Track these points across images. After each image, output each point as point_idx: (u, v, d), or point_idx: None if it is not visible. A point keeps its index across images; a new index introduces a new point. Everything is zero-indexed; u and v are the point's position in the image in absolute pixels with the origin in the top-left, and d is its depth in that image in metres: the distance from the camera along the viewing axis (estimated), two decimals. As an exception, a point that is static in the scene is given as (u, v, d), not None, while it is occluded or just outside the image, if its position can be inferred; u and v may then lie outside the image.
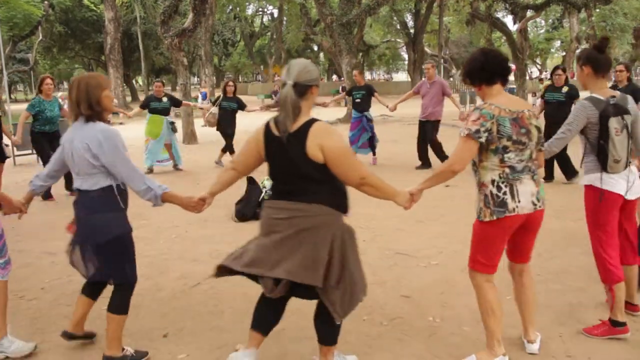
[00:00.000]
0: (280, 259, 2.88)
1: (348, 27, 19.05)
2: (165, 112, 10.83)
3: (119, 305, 3.34)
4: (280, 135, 2.86)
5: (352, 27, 19.64)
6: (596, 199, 3.59)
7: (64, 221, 5.97)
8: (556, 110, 8.08)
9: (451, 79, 40.14)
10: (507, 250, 3.41)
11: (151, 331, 3.84)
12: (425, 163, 10.31)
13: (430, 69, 10.13)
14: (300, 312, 3.68)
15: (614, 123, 3.47)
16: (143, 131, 10.94)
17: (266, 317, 3.19)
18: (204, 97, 23.98)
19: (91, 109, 3.16)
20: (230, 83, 11.35)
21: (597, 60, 3.63)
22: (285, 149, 2.86)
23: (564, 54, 35.73)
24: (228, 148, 11.12)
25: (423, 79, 10.44)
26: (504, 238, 3.23)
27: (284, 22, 40.04)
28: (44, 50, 37.99)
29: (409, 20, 40.51)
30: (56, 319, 4.07)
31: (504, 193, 3.10)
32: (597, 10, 30.76)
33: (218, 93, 13.01)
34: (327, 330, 3.12)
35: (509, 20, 43.01)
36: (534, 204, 3.16)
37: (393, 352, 3.50)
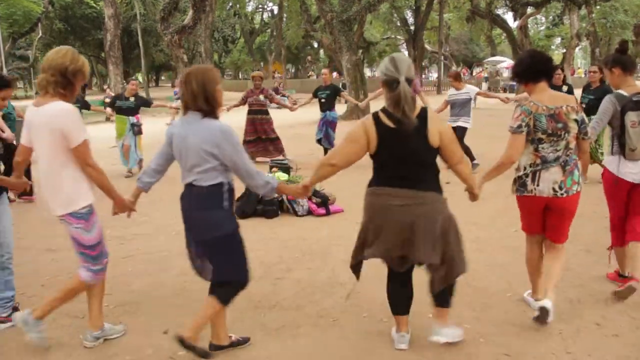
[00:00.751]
0: (402, 242, 3.21)
1: (348, 24, 19.03)
2: (129, 112, 10.19)
3: (224, 297, 3.34)
4: (400, 128, 3.07)
5: (352, 24, 19.63)
6: (611, 180, 4.24)
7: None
8: None
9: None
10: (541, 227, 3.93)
11: (151, 327, 3.84)
12: None
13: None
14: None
15: (631, 116, 4.03)
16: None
17: (403, 297, 3.54)
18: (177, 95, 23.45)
19: (208, 103, 3.11)
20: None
21: (624, 61, 4.17)
22: (405, 139, 3.09)
23: (565, 50, 35.66)
24: None
25: None
26: (529, 211, 3.86)
27: (284, 19, 39.98)
28: (44, 47, 37.93)
29: (409, 17, 40.43)
30: (56, 316, 4.06)
31: (527, 176, 3.71)
32: (598, 7, 30.72)
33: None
34: (443, 294, 3.43)
35: (509, 17, 42.97)
36: (555, 191, 3.62)
37: (393, 350, 3.50)
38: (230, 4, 40.13)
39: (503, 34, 37.51)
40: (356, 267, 3.59)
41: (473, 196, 3.60)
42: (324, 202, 6.87)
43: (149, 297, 4.41)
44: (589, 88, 8.31)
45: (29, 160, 3.71)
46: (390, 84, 3.10)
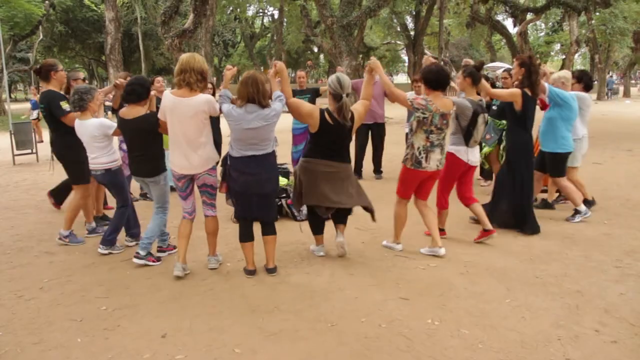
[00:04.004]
0: (334, 195, 4.99)
1: (348, 28, 19.05)
2: None
3: (274, 230, 4.93)
4: (335, 124, 4.90)
5: (352, 29, 19.64)
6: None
7: (62, 221, 5.99)
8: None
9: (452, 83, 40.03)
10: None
11: (149, 331, 3.83)
12: (360, 172, 9.62)
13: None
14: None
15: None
16: None
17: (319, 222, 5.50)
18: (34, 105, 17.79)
19: (265, 99, 4.53)
20: (209, 86, 10.32)
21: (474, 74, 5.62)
22: (336, 132, 4.92)
23: (564, 57, 35.73)
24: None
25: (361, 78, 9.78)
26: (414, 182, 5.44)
27: (285, 24, 40.05)
28: (45, 49, 37.94)
29: (409, 23, 40.53)
30: (54, 318, 4.06)
31: (422, 157, 5.22)
32: (597, 13, 30.74)
33: (217, 95, 12.72)
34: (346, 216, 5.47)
35: (509, 23, 43.10)
36: (437, 166, 5.30)
37: (391, 354, 3.50)
38: (231, 8, 40.15)
39: (503, 39, 37.58)
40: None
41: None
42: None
43: (147, 300, 4.40)
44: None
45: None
46: (336, 96, 4.85)
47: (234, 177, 4.66)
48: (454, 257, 5.30)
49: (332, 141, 4.93)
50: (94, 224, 6.34)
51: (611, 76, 44.78)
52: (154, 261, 5.23)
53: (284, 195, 6.81)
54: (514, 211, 6.14)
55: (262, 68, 49.83)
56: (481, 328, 3.82)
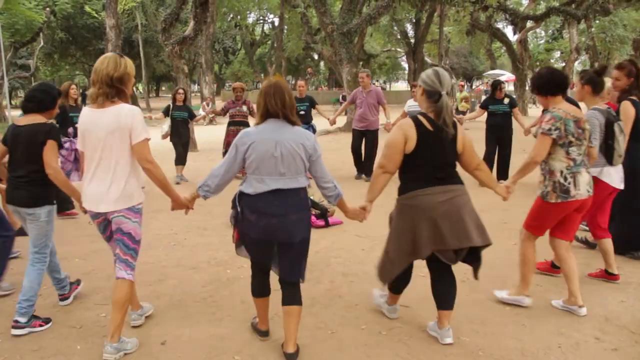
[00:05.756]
0: (457, 231, 3.50)
1: (349, 36, 19.08)
2: None
3: (300, 297, 3.58)
4: (438, 132, 3.48)
5: (352, 36, 19.68)
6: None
7: (61, 227, 5.98)
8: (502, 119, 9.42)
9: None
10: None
11: (149, 338, 3.82)
12: (364, 171, 10.25)
13: (365, 78, 10.15)
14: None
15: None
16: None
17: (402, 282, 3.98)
18: None
19: (293, 115, 3.38)
20: (181, 91, 10.72)
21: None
22: (441, 143, 3.50)
23: (564, 64, 35.80)
24: (180, 160, 10.56)
25: (359, 87, 10.40)
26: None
27: (285, 31, 40.13)
28: (45, 56, 38.02)
29: (410, 30, 40.61)
30: (53, 325, 4.06)
31: (569, 183, 4.01)
32: (597, 21, 30.86)
33: (219, 100, 12.82)
34: (454, 294, 3.78)
35: (509, 30, 43.26)
36: (588, 192, 4.08)
37: (391, 362, 3.49)
38: (231, 16, 40.25)
39: (503, 47, 37.62)
40: (392, 278, 3.88)
41: (503, 198, 3.98)
42: (323, 214, 6.87)
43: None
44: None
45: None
46: (432, 95, 3.50)
47: (252, 221, 3.37)
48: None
49: (436, 156, 3.52)
50: None
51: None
52: (42, 324, 4.02)
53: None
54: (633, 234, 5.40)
55: (262, 75, 49.96)
56: (481, 335, 3.81)
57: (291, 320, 3.50)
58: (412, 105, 9.78)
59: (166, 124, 10.66)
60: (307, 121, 10.71)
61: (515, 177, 4.16)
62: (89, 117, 3.49)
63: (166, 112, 10.59)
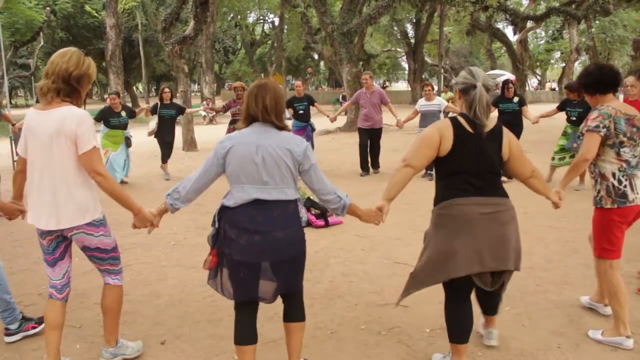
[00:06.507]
0: (497, 252, 3.08)
1: (349, 36, 19.09)
2: (124, 126, 9.95)
3: (303, 313, 3.26)
4: (477, 132, 3.11)
5: (352, 36, 19.69)
6: None
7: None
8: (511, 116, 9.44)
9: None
10: None
11: (148, 338, 3.82)
12: (367, 169, 10.81)
13: (369, 80, 10.65)
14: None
15: None
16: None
17: (469, 320, 3.30)
18: None
19: (278, 119, 2.98)
20: (167, 89, 10.91)
21: None
22: (479, 145, 3.11)
23: (564, 64, 35.82)
24: (165, 158, 10.89)
25: (362, 89, 10.87)
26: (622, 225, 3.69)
27: (285, 31, 40.13)
28: (45, 56, 37.93)
29: (410, 30, 40.65)
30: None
31: (624, 186, 3.62)
32: (597, 21, 30.88)
33: (219, 100, 12.89)
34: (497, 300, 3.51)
35: (509, 30, 43.24)
36: None
37: (391, 362, 3.49)
38: (232, 15, 40.25)
39: (503, 47, 37.64)
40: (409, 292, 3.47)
41: (555, 205, 3.59)
42: (323, 214, 6.87)
43: (146, 307, 4.39)
44: (572, 102, 8.93)
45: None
46: (467, 90, 3.15)
47: (232, 239, 2.95)
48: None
49: (476, 161, 3.12)
50: None
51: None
52: (35, 326, 3.92)
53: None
54: None
55: (262, 75, 49.96)
56: (481, 335, 3.80)
57: (295, 337, 3.21)
58: (423, 104, 10.30)
59: (153, 122, 10.86)
60: (305, 119, 10.90)
61: (565, 180, 3.85)
62: (34, 119, 3.10)
63: (154, 110, 10.80)
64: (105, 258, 3.33)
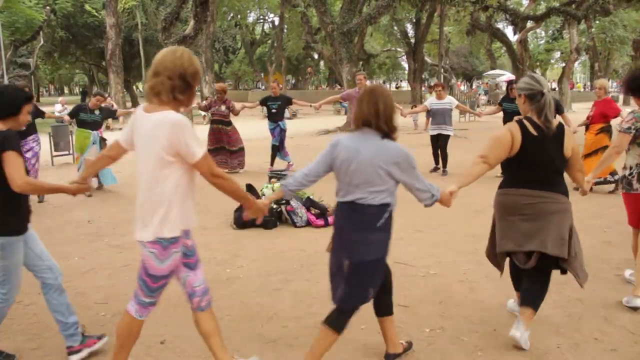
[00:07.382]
0: (532, 235, 3.51)
1: (349, 35, 19.11)
2: (94, 126, 9.15)
3: (342, 327, 3.17)
4: (542, 135, 3.47)
5: (352, 36, 19.70)
6: None
7: (62, 227, 5.98)
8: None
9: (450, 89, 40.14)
10: None
11: (148, 337, 3.81)
12: None
13: (363, 80, 10.52)
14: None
15: None
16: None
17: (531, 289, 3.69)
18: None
19: (388, 125, 3.06)
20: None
21: None
22: (543, 147, 3.48)
23: (564, 64, 35.82)
24: None
25: (356, 88, 10.78)
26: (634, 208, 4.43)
27: (285, 30, 40.14)
28: (45, 55, 38.02)
29: (410, 30, 40.61)
30: (53, 324, 4.04)
31: (631, 176, 4.31)
32: (597, 22, 30.88)
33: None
34: (540, 293, 3.69)
35: (509, 30, 43.18)
36: None
37: (391, 362, 3.49)
38: (231, 15, 40.25)
39: (503, 47, 37.66)
40: (496, 262, 3.91)
41: (583, 192, 3.94)
42: (322, 213, 6.87)
43: (146, 306, 4.38)
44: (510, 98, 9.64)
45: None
46: (534, 96, 3.50)
47: (334, 232, 3.21)
48: (453, 264, 5.29)
49: (539, 161, 3.48)
50: None
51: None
52: (95, 342, 3.68)
53: (284, 201, 6.80)
54: None
55: (262, 75, 49.97)
56: (480, 335, 3.81)
57: (323, 342, 3.19)
58: (434, 103, 10.46)
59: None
60: (278, 119, 11.09)
61: (596, 170, 4.37)
62: (140, 120, 2.93)
63: None
64: (142, 277, 3.16)
